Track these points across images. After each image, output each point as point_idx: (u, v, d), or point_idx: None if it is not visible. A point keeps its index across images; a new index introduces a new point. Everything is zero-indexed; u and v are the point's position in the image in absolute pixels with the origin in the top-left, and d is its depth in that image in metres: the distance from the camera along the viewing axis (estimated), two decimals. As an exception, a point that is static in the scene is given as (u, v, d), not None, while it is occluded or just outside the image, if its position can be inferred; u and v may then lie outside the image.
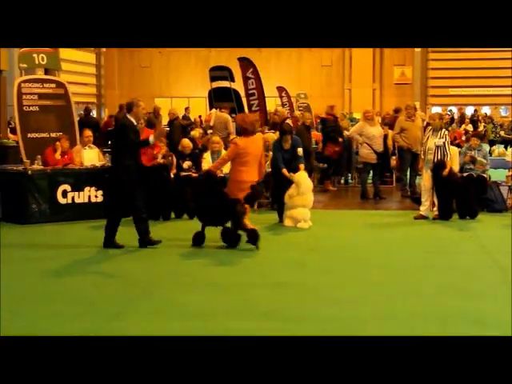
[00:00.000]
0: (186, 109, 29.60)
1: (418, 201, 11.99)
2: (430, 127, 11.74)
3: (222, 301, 6.55)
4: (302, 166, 10.99)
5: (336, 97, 36.45)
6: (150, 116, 16.02)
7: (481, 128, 27.80)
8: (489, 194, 12.47)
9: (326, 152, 15.66)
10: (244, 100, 18.78)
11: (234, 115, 16.57)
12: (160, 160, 11.69)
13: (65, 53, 27.78)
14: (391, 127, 15.43)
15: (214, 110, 18.77)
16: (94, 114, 33.35)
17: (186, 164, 12.13)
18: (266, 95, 19.52)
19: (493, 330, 5.56)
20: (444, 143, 11.39)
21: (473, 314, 6.13)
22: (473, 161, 12.55)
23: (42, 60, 13.14)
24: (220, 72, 19.74)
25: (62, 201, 11.27)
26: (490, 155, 19.51)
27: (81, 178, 11.48)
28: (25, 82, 12.62)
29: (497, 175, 13.64)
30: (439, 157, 11.36)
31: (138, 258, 8.57)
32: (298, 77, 37.72)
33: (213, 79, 19.78)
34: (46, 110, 12.68)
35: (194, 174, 11.71)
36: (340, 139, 15.49)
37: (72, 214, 11.24)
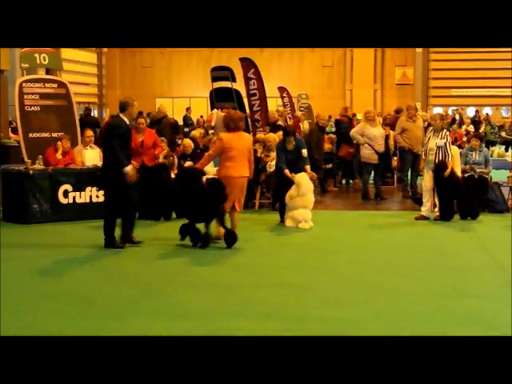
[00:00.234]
0: (188, 109, 29.57)
1: (419, 201, 11.99)
2: (432, 128, 11.74)
3: (222, 301, 6.54)
4: (307, 167, 10.99)
5: (337, 97, 36.43)
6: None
7: (482, 129, 27.77)
8: (490, 195, 12.47)
9: (340, 153, 15.64)
10: (245, 100, 18.72)
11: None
12: (161, 160, 11.69)
13: (66, 53, 27.78)
14: (392, 128, 15.43)
15: (215, 110, 18.78)
16: (95, 113, 33.40)
17: (187, 164, 12.14)
18: (267, 95, 19.48)
19: (493, 330, 5.56)
20: (445, 144, 11.39)
21: (473, 315, 6.13)
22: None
23: (44, 60, 13.14)
24: (221, 72, 19.69)
25: (63, 201, 11.27)
26: (490, 156, 19.49)
27: (82, 178, 11.47)
28: (26, 81, 12.64)
29: (498, 176, 13.66)
30: (440, 157, 11.36)
31: (138, 258, 8.57)
32: (300, 77, 37.65)
33: (214, 79, 19.74)
34: (47, 109, 12.70)
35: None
36: (354, 141, 15.42)
37: (73, 214, 11.24)
